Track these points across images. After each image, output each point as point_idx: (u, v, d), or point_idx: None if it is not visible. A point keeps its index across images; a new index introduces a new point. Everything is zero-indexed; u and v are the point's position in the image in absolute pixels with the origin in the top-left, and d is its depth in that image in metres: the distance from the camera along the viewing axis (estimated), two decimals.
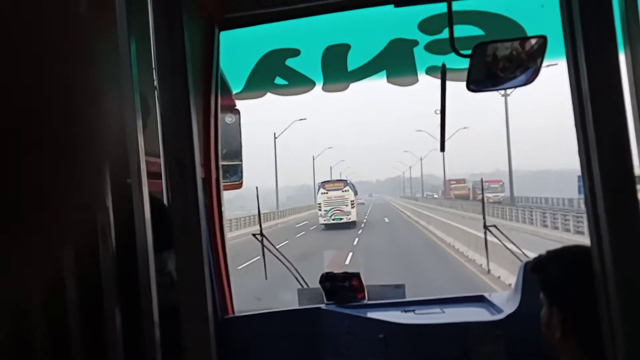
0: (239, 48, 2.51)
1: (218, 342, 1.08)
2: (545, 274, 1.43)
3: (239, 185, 2.78)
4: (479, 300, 2.58)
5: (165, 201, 1.77)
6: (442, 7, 2.02)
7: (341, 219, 32.41)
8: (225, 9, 2.28)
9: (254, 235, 3.20)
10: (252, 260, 11.87)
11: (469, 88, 1.87)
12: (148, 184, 1.11)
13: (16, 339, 0.94)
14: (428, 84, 2.71)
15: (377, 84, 2.65)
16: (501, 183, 54.43)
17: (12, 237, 0.36)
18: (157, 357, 1.09)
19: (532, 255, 1.73)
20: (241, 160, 2.79)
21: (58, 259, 0.95)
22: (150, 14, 1.28)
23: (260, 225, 3.35)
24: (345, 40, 2.50)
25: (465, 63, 1.84)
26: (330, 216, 32.55)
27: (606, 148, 0.99)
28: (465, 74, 1.86)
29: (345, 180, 37.10)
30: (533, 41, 1.82)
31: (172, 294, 1.13)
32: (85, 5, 0.43)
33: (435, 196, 77.34)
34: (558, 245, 1.52)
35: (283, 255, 3.17)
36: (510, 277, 10.11)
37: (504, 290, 4.85)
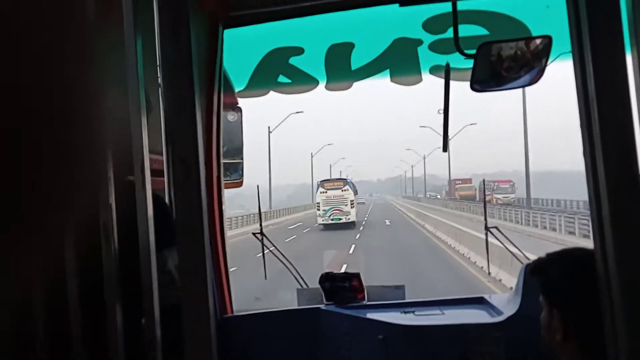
0: (243, 46, 2.51)
1: (217, 341, 1.08)
2: (546, 276, 1.43)
3: (240, 184, 2.78)
4: (478, 302, 2.57)
5: (166, 199, 1.77)
6: (447, 7, 2.02)
7: (340, 219, 32.02)
8: (230, 6, 2.27)
9: (254, 234, 3.21)
10: (236, 268, 11.60)
11: (473, 88, 1.87)
12: (150, 182, 1.11)
13: (18, 338, 0.94)
14: (432, 84, 2.71)
15: (381, 82, 2.64)
16: (511, 183, 52.87)
17: (14, 236, 0.35)
18: (158, 355, 1.09)
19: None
20: (242, 159, 2.78)
21: (60, 257, 0.95)
22: (155, 12, 1.28)
23: (261, 224, 3.35)
24: (349, 39, 2.49)
25: (469, 63, 1.83)
26: (329, 216, 32.17)
27: (611, 150, 0.99)
28: (469, 73, 1.85)
29: (345, 179, 36.88)
30: (538, 41, 1.81)
31: (172, 292, 1.13)
32: (92, 3, 0.42)
33: (438, 197, 75.85)
34: None
35: (283, 255, 3.17)
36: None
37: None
